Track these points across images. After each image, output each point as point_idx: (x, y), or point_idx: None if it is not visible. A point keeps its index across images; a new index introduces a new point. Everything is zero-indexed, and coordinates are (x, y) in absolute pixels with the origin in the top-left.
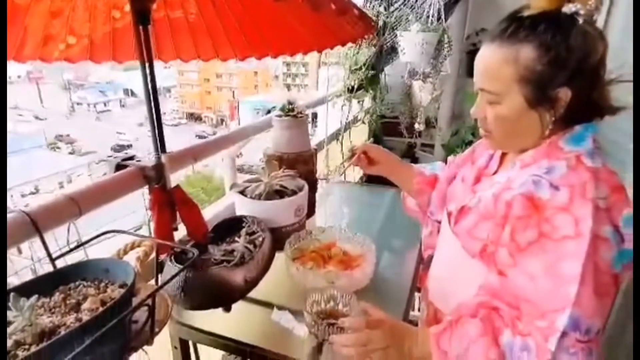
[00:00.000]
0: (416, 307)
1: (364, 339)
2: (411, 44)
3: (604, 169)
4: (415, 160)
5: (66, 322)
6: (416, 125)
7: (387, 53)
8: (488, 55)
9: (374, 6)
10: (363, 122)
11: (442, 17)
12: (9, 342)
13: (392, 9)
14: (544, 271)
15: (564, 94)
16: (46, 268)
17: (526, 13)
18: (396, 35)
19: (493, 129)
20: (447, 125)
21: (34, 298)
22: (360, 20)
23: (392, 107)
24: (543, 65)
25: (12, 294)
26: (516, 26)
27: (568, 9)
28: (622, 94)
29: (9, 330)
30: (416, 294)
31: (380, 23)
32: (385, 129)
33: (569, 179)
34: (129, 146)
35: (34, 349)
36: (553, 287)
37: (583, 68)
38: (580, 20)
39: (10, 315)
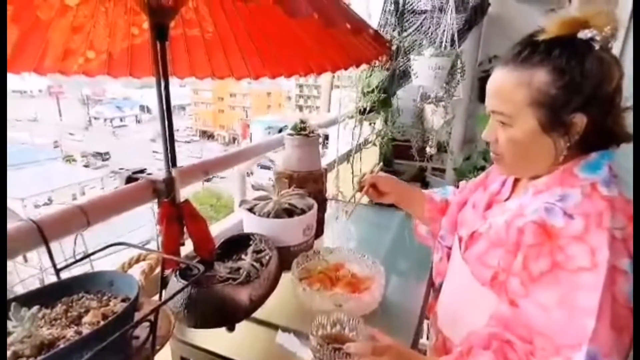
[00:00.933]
0: (424, 334)
1: None
2: (424, 67)
3: (620, 198)
4: (426, 184)
5: (66, 334)
6: (427, 149)
7: (399, 77)
8: (501, 78)
9: (387, 31)
10: (374, 144)
11: (456, 42)
12: (8, 353)
13: (405, 34)
14: (558, 303)
15: (580, 120)
16: (52, 278)
17: (541, 37)
18: (409, 59)
19: (504, 152)
20: (459, 149)
21: (35, 309)
22: (375, 41)
23: (404, 130)
24: (557, 90)
25: (13, 304)
26: (531, 50)
27: (584, 34)
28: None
29: (9, 340)
30: (425, 321)
31: (394, 47)
32: (396, 152)
33: (584, 208)
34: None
35: None
36: (567, 320)
37: (598, 94)
38: (596, 46)
39: (10, 325)
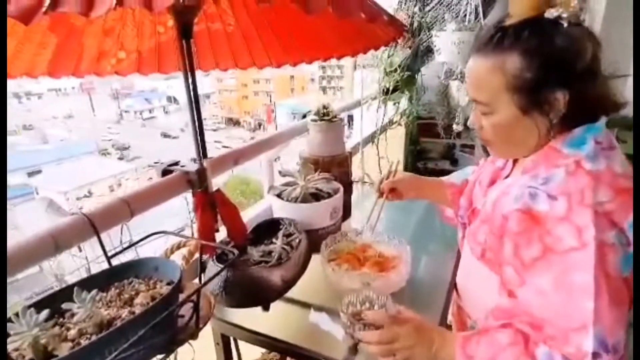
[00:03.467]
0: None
1: (389, 336)
2: (447, 43)
3: (608, 171)
4: (455, 161)
5: (121, 314)
6: (454, 126)
7: (422, 54)
8: (475, 67)
9: (408, 7)
10: (399, 124)
11: (480, 15)
12: (73, 332)
13: (427, 9)
14: (554, 286)
15: (561, 96)
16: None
17: (508, 22)
18: (431, 35)
19: (490, 138)
20: None
21: (94, 292)
22: (391, 25)
23: (429, 108)
24: (531, 72)
25: (76, 287)
26: (500, 35)
27: (550, 14)
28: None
29: (74, 319)
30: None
31: (415, 24)
32: (422, 131)
33: (567, 187)
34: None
35: (94, 338)
36: (566, 302)
37: (574, 69)
38: (565, 24)
39: (74, 306)
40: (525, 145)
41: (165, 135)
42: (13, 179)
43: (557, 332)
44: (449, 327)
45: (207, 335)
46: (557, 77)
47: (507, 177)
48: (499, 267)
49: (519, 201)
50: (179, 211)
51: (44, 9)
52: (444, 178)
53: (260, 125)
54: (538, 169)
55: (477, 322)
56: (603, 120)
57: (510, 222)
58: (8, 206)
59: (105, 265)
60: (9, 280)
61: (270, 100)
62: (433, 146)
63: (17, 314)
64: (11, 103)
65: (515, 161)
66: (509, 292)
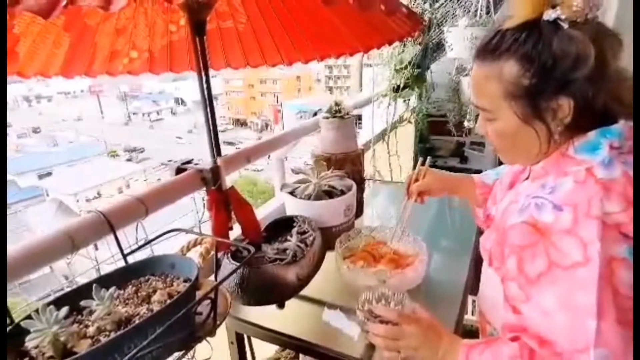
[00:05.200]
0: (469, 310)
1: (395, 333)
2: (459, 39)
3: (623, 178)
4: (464, 159)
5: (139, 312)
6: (465, 123)
7: (432, 50)
8: (475, 73)
9: (418, 3)
10: (409, 122)
11: (492, 9)
12: (92, 329)
13: (437, 5)
14: (559, 305)
15: (566, 103)
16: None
17: (506, 25)
18: (442, 31)
19: (496, 145)
20: None
21: (112, 289)
22: (408, 19)
23: (439, 105)
24: (529, 79)
25: (94, 285)
26: (498, 40)
27: (548, 15)
28: None
29: (93, 317)
30: (470, 297)
31: (426, 20)
32: (432, 128)
33: (573, 197)
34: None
35: (113, 335)
36: (570, 323)
37: (577, 74)
38: (565, 25)
39: (92, 304)
40: (528, 154)
41: (177, 137)
42: (24, 181)
43: (563, 351)
44: (470, 329)
45: (221, 333)
46: (557, 83)
47: (526, 179)
48: (502, 281)
49: (524, 213)
50: (189, 210)
51: (63, 3)
52: (476, 176)
53: (267, 125)
54: (547, 177)
55: (497, 330)
56: (621, 122)
57: (514, 235)
58: (20, 208)
59: (117, 265)
60: (20, 280)
61: (277, 101)
62: (442, 144)
63: (37, 311)
64: (21, 106)
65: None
66: (513, 309)
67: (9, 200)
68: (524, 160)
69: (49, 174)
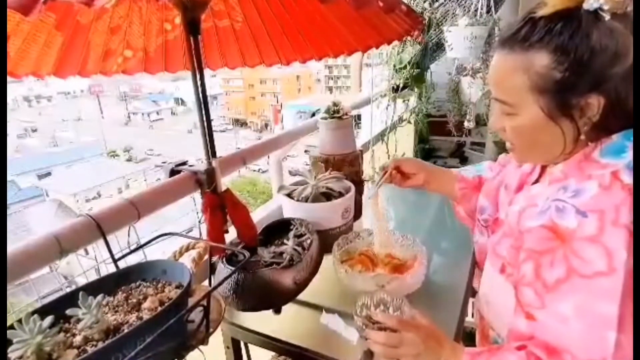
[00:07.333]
0: (470, 312)
1: (395, 340)
2: (459, 38)
3: None
4: (464, 159)
5: (129, 320)
6: (465, 123)
7: (432, 50)
8: (499, 63)
9: (418, 2)
10: (409, 122)
11: (492, 8)
12: (79, 338)
13: (437, 4)
14: (576, 313)
15: (596, 101)
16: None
17: (539, 13)
18: (442, 31)
19: (513, 141)
20: None
21: (100, 296)
22: (407, 17)
23: (439, 105)
24: (561, 73)
25: (81, 293)
26: (529, 29)
27: (589, 4)
28: None
29: (79, 326)
30: (470, 300)
31: (425, 19)
32: (432, 128)
33: (599, 203)
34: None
35: (100, 345)
36: (588, 332)
37: (613, 71)
38: (606, 17)
39: (79, 312)
40: (550, 153)
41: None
42: (24, 181)
43: None
44: (469, 333)
45: (216, 339)
46: (591, 80)
47: (535, 182)
48: (515, 286)
49: (544, 216)
50: (190, 210)
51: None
52: (455, 170)
53: (267, 125)
54: (568, 180)
55: (501, 337)
56: None
57: (533, 239)
58: (19, 208)
59: (108, 270)
60: (18, 281)
61: (277, 101)
62: (442, 144)
63: (20, 321)
64: (21, 106)
65: (544, 166)
66: (527, 315)
67: (8, 201)
68: (542, 160)
69: (49, 174)
